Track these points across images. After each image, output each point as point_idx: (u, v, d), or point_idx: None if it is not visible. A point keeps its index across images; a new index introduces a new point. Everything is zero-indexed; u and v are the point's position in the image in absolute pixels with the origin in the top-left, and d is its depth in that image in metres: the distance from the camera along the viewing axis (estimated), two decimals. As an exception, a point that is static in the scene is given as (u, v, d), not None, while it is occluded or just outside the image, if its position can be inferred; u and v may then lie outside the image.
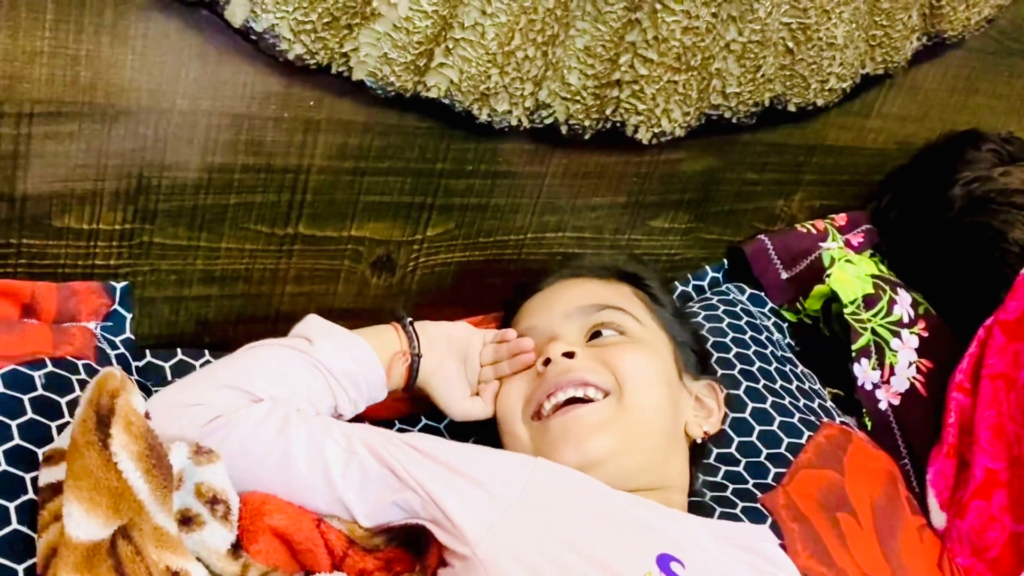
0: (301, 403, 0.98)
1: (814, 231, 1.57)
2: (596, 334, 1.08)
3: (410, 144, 1.15)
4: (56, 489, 0.82)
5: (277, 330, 1.17)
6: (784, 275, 1.54)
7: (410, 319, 1.08)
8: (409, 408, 1.16)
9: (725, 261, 1.56)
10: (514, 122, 1.17)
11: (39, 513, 0.83)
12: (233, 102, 1.04)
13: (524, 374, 1.07)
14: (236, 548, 0.89)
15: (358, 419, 1.05)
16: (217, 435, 0.91)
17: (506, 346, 1.10)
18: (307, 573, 0.93)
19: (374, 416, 1.09)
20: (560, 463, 0.98)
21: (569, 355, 1.04)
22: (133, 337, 1.09)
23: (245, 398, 0.95)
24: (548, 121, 1.20)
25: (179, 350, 1.14)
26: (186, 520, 0.86)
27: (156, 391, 1.04)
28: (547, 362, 1.04)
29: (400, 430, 1.14)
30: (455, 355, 1.10)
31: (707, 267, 1.54)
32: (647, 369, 1.05)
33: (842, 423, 1.36)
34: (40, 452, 0.87)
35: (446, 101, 1.11)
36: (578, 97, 1.19)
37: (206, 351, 1.15)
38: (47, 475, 0.84)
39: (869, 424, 1.41)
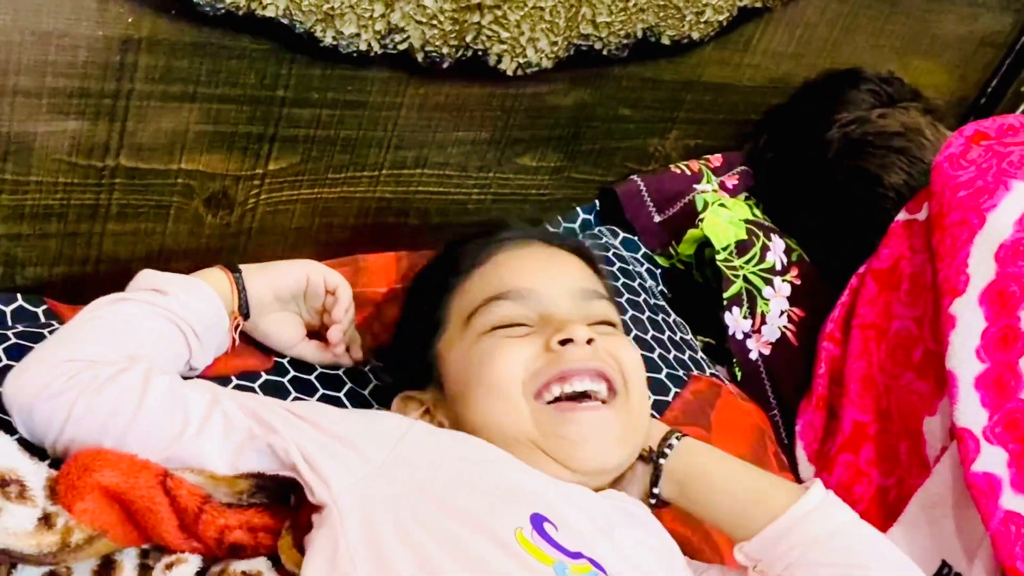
0: (163, 362, 0.96)
1: (688, 172, 1.52)
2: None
3: (246, 69, 1.05)
4: None
5: (99, 272, 1.09)
6: (657, 218, 1.49)
7: (239, 271, 1.04)
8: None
9: (597, 202, 1.51)
10: (363, 47, 1.07)
11: None
12: (39, 17, 0.92)
13: (526, 340, 0.97)
14: (47, 519, 0.82)
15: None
16: (74, 391, 0.88)
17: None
18: (153, 545, 0.87)
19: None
20: (567, 461, 0.94)
21: (589, 342, 0.97)
22: (-74, 281, 0.98)
23: (114, 354, 0.93)
24: (402, 47, 1.11)
25: (-14, 295, 1.03)
26: None
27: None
28: (565, 342, 0.96)
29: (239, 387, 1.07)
30: (280, 305, 1.08)
31: (578, 208, 1.48)
32: (640, 366, 1.02)
33: (712, 375, 1.32)
34: None
35: (285, 21, 1.01)
36: (435, 21, 1.10)
37: (18, 295, 1.05)
38: None
39: (739, 374, 1.38)
